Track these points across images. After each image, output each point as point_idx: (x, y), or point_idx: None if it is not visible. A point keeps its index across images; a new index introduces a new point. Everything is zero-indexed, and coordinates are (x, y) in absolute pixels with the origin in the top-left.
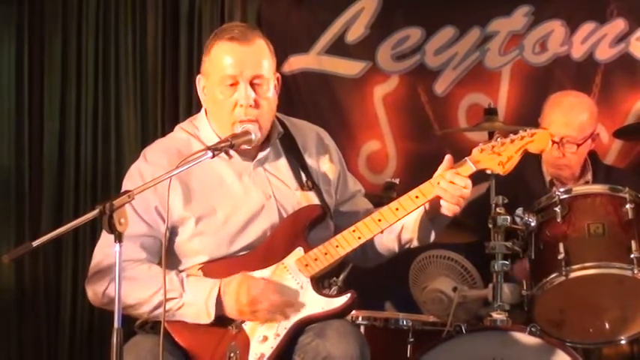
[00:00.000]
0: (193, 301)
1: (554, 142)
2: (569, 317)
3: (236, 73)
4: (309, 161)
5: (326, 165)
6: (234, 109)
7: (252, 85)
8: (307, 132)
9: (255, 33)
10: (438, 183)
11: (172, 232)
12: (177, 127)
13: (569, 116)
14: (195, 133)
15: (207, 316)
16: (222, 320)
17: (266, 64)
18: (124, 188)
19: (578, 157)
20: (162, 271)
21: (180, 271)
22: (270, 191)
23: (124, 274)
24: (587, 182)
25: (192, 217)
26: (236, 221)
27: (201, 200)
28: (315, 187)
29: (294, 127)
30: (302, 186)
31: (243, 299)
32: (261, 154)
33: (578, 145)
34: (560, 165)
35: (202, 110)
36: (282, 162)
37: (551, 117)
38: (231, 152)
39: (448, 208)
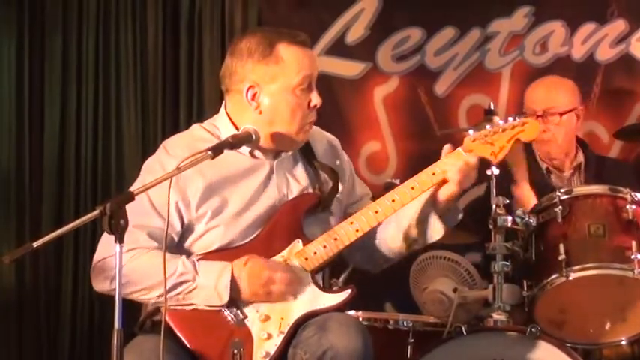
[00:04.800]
0: (206, 284)
1: (537, 116)
2: (569, 318)
3: (312, 74)
4: (322, 168)
5: (338, 169)
6: (309, 110)
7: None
8: (320, 139)
9: (301, 34)
10: (433, 174)
11: (188, 228)
12: (195, 126)
13: (549, 91)
14: (215, 133)
15: (219, 299)
16: (224, 316)
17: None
18: (141, 182)
19: (565, 133)
20: (172, 256)
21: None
22: (285, 191)
23: (134, 260)
24: (579, 164)
25: (209, 211)
26: (251, 218)
27: (218, 196)
28: (328, 190)
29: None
30: (315, 189)
31: (258, 281)
32: (283, 155)
33: (561, 115)
34: (546, 140)
35: (222, 111)
36: (299, 165)
37: (531, 96)
38: (256, 153)
39: (455, 182)
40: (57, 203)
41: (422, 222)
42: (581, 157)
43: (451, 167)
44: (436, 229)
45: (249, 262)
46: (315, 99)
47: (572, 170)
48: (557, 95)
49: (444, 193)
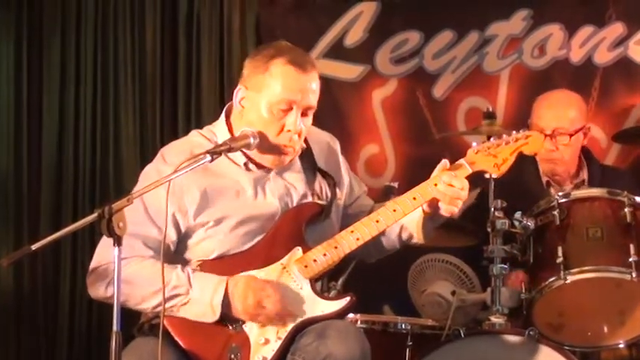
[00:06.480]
0: (199, 298)
1: (546, 135)
2: (567, 321)
3: (295, 99)
4: (322, 174)
5: (337, 175)
6: (280, 132)
7: (302, 114)
8: (319, 141)
9: (311, 61)
10: (435, 185)
11: (185, 235)
12: (193, 132)
13: (558, 109)
14: (212, 139)
15: (212, 315)
16: (223, 321)
17: (317, 96)
18: (138, 189)
19: (572, 152)
20: (167, 267)
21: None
22: (286, 199)
23: (129, 268)
24: (582, 181)
25: (208, 221)
26: (250, 226)
27: (217, 205)
28: (327, 196)
29: (309, 135)
30: (313, 196)
31: (250, 301)
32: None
33: (570, 136)
34: (553, 159)
35: (221, 118)
36: (298, 171)
37: (540, 113)
38: (250, 166)
39: (446, 210)
40: (55, 206)
41: (422, 223)
42: (584, 174)
43: (442, 195)
44: (428, 232)
45: (244, 280)
46: (291, 125)
47: (572, 186)
48: (566, 114)
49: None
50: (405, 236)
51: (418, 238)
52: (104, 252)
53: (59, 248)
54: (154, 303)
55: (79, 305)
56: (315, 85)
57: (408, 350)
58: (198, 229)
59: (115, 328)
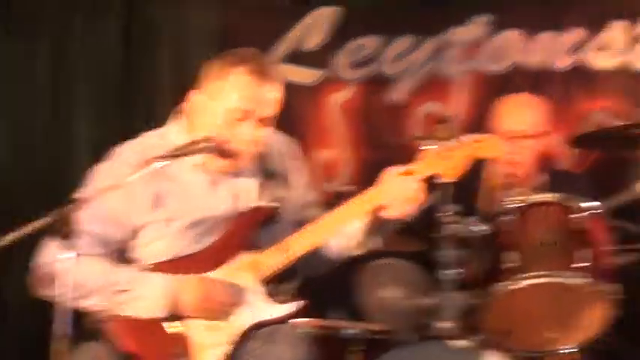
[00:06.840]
0: (146, 295)
1: (507, 138)
2: (517, 326)
3: (251, 109)
4: (278, 173)
5: (292, 178)
6: (234, 140)
7: (258, 121)
8: (275, 142)
9: (273, 68)
10: (388, 186)
11: (135, 236)
12: (147, 133)
13: (520, 112)
14: (166, 140)
15: (159, 311)
16: (170, 318)
17: (277, 105)
18: (91, 188)
19: (532, 155)
20: (114, 265)
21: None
22: (239, 202)
23: (76, 265)
24: (539, 185)
25: (159, 220)
26: (201, 228)
27: (169, 205)
28: (281, 199)
29: (268, 137)
30: (265, 198)
31: (198, 296)
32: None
33: (532, 139)
34: (514, 163)
35: (176, 120)
36: (253, 174)
37: (502, 116)
38: (204, 168)
39: (395, 208)
40: (7, 210)
41: (361, 231)
42: (541, 179)
43: (391, 190)
44: (371, 239)
45: (192, 277)
46: (245, 134)
47: (529, 190)
48: (528, 117)
49: (387, 213)
50: (345, 245)
51: (355, 246)
52: (49, 249)
53: (10, 252)
54: (98, 299)
55: (30, 311)
56: (274, 96)
57: (357, 355)
58: (147, 230)
59: (58, 332)
